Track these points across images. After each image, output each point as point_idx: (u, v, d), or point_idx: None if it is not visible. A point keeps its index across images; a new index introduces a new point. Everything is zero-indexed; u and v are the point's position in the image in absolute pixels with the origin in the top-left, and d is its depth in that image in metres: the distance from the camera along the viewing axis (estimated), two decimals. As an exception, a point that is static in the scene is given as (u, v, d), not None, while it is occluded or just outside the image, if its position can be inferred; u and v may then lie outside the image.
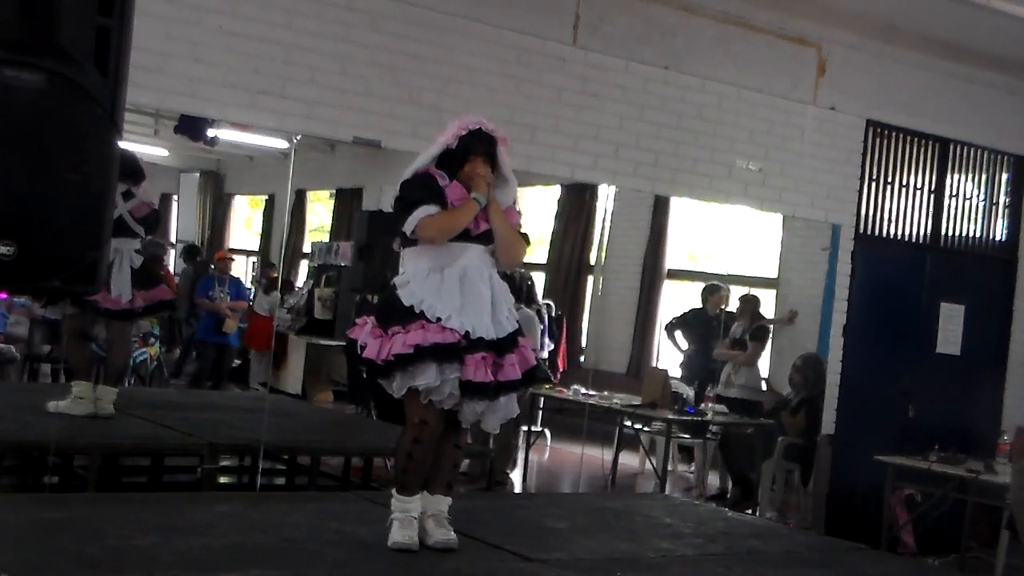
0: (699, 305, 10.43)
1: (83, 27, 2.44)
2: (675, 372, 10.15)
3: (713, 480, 9.79)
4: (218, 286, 10.77)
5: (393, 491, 4.26)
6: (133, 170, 6.39)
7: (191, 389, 10.61)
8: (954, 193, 8.56)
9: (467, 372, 4.02)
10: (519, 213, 4.44)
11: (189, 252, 12.93)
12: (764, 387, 9.83)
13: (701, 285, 10.75)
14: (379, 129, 6.21)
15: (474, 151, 4.23)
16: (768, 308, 10.43)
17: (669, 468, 9.31)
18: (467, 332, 4.03)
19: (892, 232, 8.25)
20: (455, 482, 4.39)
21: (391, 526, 4.19)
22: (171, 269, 12.81)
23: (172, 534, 4.14)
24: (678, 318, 10.54)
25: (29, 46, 2.35)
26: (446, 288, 4.09)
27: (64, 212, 2.42)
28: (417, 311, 4.03)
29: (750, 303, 9.98)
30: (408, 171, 4.33)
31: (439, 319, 4.02)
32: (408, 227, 4.17)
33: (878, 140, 8.10)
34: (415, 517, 4.20)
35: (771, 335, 10.03)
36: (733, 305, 10.25)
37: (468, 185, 4.22)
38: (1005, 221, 8.85)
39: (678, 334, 10.43)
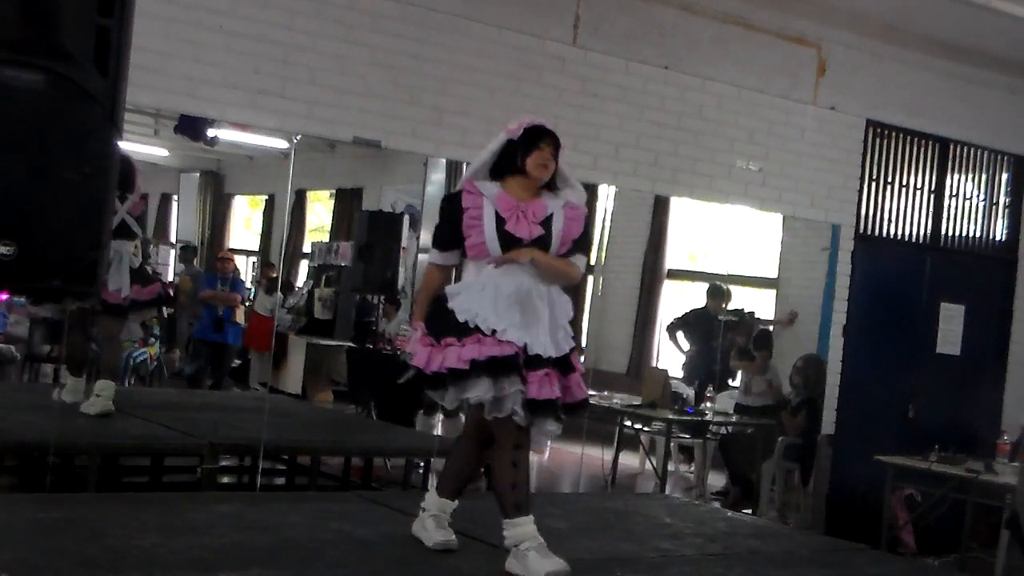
0: (699, 305, 10.41)
1: (83, 27, 2.45)
2: (676, 372, 10.14)
3: (713, 480, 9.79)
4: (220, 285, 10.78)
5: (504, 520, 4.00)
6: (128, 175, 6.43)
7: (191, 389, 10.61)
8: (954, 193, 8.56)
9: (531, 390, 3.83)
10: (585, 212, 4.19)
11: (186, 252, 12.93)
12: (771, 385, 9.80)
13: (701, 285, 10.73)
14: (379, 129, 6.21)
15: (542, 141, 4.07)
16: (768, 308, 10.41)
17: (669, 468, 9.31)
18: (524, 346, 3.87)
19: (892, 232, 8.25)
20: (520, 502, 3.98)
21: (526, 557, 3.87)
22: (171, 269, 12.81)
23: (172, 534, 4.14)
24: (679, 319, 10.53)
25: (29, 46, 2.36)
26: (501, 302, 3.91)
27: (64, 212, 2.42)
28: (472, 325, 3.87)
29: (745, 324, 9.97)
30: (467, 170, 4.20)
31: (494, 332, 3.85)
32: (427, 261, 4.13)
33: (878, 140, 8.10)
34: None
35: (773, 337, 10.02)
36: (732, 305, 10.24)
37: (532, 175, 4.05)
38: (1005, 221, 8.85)
39: (680, 335, 10.42)
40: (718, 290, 10.16)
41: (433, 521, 4.20)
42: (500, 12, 6.47)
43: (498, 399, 3.83)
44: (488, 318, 3.87)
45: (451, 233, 4.08)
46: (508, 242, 3.99)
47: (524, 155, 4.05)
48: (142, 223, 7.00)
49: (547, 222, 4.06)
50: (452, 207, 4.11)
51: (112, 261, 6.23)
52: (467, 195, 4.08)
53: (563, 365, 3.98)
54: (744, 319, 9.99)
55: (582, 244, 4.17)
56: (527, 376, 3.83)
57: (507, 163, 4.10)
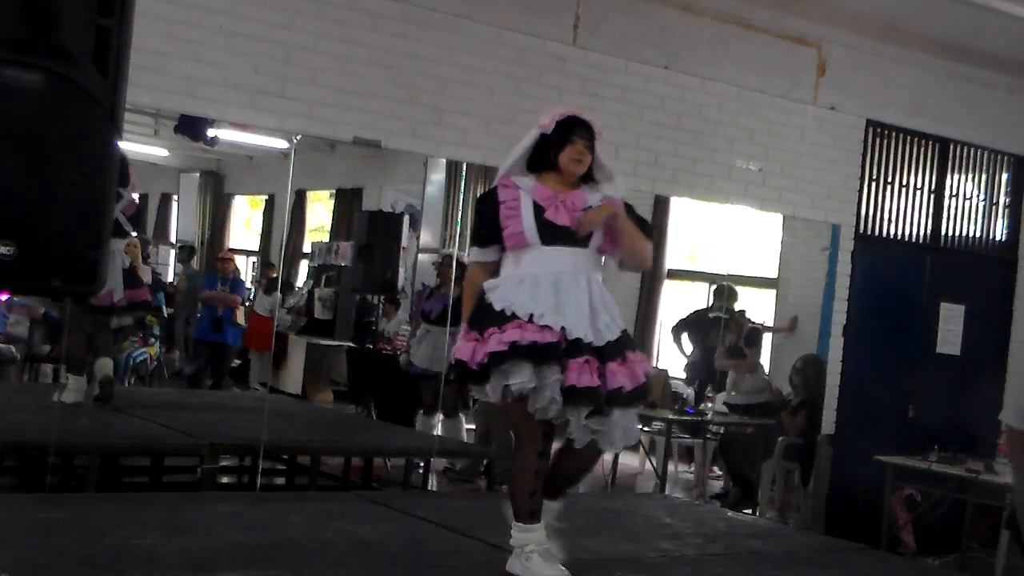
0: (702, 306, 10.39)
1: (83, 27, 2.44)
2: (676, 372, 10.14)
3: (713, 480, 9.79)
4: (220, 286, 10.79)
5: (514, 522, 3.85)
6: (123, 172, 6.45)
7: (191, 389, 10.61)
8: (954, 193, 8.56)
9: (570, 377, 3.70)
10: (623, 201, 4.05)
11: (182, 252, 12.95)
12: (770, 387, 9.82)
13: (701, 285, 10.72)
14: (379, 129, 6.21)
15: (575, 134, 3.93)
16: (768, 308, 10.41)
17: (669, 468, 9.31)
18: (563, 331, 3.73)
19: (892, 232, 8.25)
20: (570, 493, 4.07)
21: (529, 559, 3.81)
22: (171, 269, 12.82)
23: (172, 534, 4.14)
24: (683, 320, 10.51)
25: (29, 46, 2.35)
26: (540, 292, 3.80)
27: (64, 212, 2.42)
28: (509, 313, 3.75)
29: (738, 321, 9.95)
30: (502, 167, 4.06)
31: (531, 316, 3.72)
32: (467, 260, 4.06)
33: (878, 140, 8.10)
34: (548, 548, 3.86)
35: (770, 337, 10.02)
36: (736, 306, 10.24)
37: (566, 171, 3.94)
38: (1005, 221, 8.85)
39: (684, 336, 10.40)
40: (724, 291, 10.12)
41: (539, 557, 3.82)
42: (500, 12, 6.46)
43: (537, 388, 3.70)
44: (525, 304, 3.76)
45: (489, 228, 3.96)
46: (548, 230, 3.87)
47: (557, 151, 3.95)
48: (139, 222, 7.03)
49: (587, 211, 3.93)
50: (488, 202, 3.99)
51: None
52: (503, 189, 3.98)
53: (611, 351, 3.81)
54: (733, 317, 9.98)
55: (648, 233, 4.05)
56: (567, 363, 3.72)
57: (541, 159, 3.99)
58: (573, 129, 3.95)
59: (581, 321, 3.77)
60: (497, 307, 3.79)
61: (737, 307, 10.15)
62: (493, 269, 3.99)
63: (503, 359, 3.70)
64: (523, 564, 3.82)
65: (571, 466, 4.01)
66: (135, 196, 7.16)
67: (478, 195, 4.12)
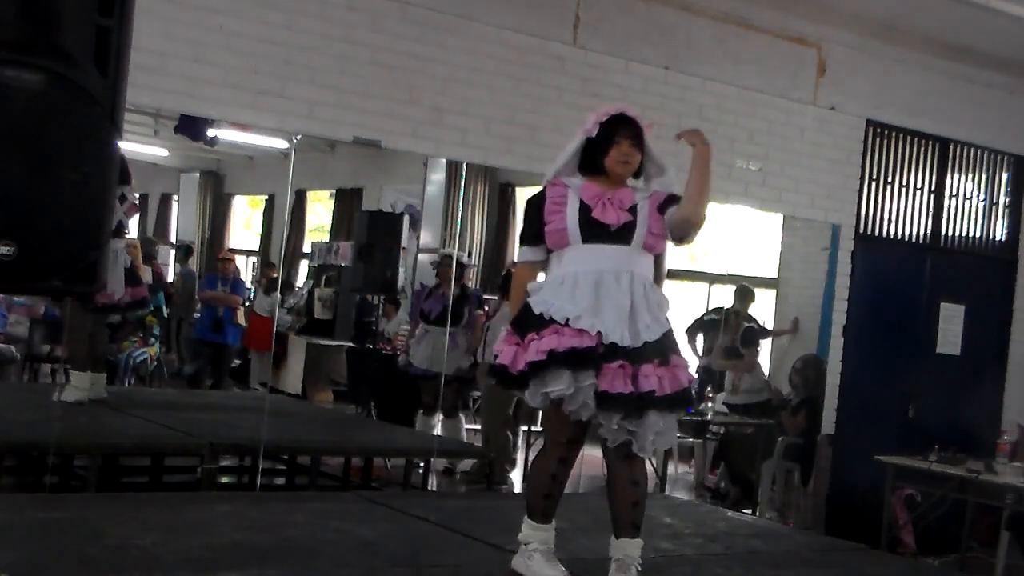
0: (715, 307, 10.35)
1: (83, 27, 2.45)
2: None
3: (713, 480, 9.78)
4: (221, 286, 10.80)
5: (526, 518, 3.87)
6: (124, 172, 6.46)
7: (191, 389, 10.61)
8: (954, 193, 8.56)
9: (603, 382, 3.65)
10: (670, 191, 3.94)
11: (178, 252, 12.96)
12: (769, 386, 9.81)
13: (701, 285, 10.69)
14: (379, 129, 6.21)
15: (619, 135, 3.85)
16: (768, 309, 10.41)
17: (669, 468, 9.30)
18: (599, 335, 3.67)
19: (892, 232, 8.25)
20: (638, 522, 3.85)
21: (531, 557, 3.84)
22: (171, 269, 12.82)
23: (172, 534, 4.14)
24: (698, 321, 10.47)
25: (29, 46, 2.36)
26: (579, 292, 3.73)
27: (64, 212, 2.42)
28: (547, 317, 3.70)
29: (735, 321, 9.93)
30: (548, 171, 3.98)
31: (567, 320, 3.67)
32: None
33: (878, 140, 8.10)
34: (552, 550, 3.87)
35: (769, 337, 10.02)
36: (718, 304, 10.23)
37: (613, 173, 3.88)
38: (1005, 221, 8.85)
39: (700, 337, 10.37)
40: (746, 292, 9.96)
41: (541, 556, 3.85)
42: (500, 12, 6.46)
43: (574, 392, 3.67)
44: (563, 307, 3.71)
45: (537, 226, 3.90)
46: (593, 228, 3.80)
47: (602, 154, 3.88)
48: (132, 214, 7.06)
49: (634, 210, 3.86)
50: (536, 201, 3.94)
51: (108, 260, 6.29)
52: (551, 187, 3.92)
53: (649, 353, 3.71)
54: (729, 318, 9.96)
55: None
56: (602, 368, 3.66)
57: (589, 163, 3.93)
58: (617, 129, 3.87)
59: (619, 323, 3.70)
60: (536, 310, 3.75)
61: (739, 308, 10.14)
62: (542, 268, 3.96)
63: (541, 367, 3.67)
64: (526, 562, 3.85)
65: (622, 487, 3.86)
66: (135, 196, 7.19)
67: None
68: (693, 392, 3.81)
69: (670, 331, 3.82)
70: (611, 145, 3.86)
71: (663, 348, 3.75)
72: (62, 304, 7.13)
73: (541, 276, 3.95)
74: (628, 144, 3.86)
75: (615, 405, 3.66)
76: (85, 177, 2.42)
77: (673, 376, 3.73)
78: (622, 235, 3.81)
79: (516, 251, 4.05)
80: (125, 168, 6.63)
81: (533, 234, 3.92)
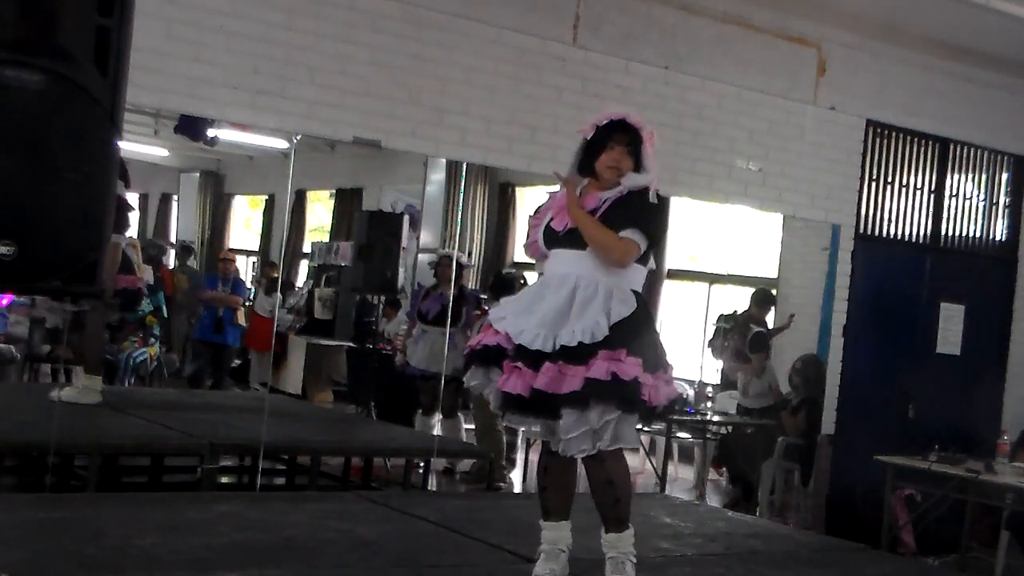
0: (730, 312, 10.33)
1: (83, 27, 2.45)
2: (678, 373, 10.08)
3: (713, 480, 9.78)
4: (221, 286, 10.81)
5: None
6: (124, 171, 6.48)
7: (191, 389, 10.62)
8: (954, 193, 8.55)
9: (500, 380, 3.74)
10: (636, 193, 3.89)
11: (183, 252, 12.98)
12: (771, 388, 9.78)
13: (701, 285, 10.69)
14: (379, 129, 6.20)
15: (612, 139, 3.90)
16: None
17: (669, 468, 9.31)
18: (507, 335, 3.74)
19: (892, 232, 8.24)
20: (622, 517, 3.91)
21: (537, 556, 3.95)
22: (170, 269, 12.83)
23: (172, 534, 4.14)
24: (717, 329, 10.41)
25: (29, 46, 2.36)
26: (525, 297, 3.88)
27: (64, 212, 2.42)
28: (488, 320, 3.89)
29: (742, 325, 9.89)
30: (567, 173, 4.07)
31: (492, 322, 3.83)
32: None
33: (878, 140, 8.10)
34: (562, 550, 3.91)
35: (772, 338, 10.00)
36: (730, 308, 10.21)
37: (602, 176, 3.91)
38: (1005, 221, 8.85)
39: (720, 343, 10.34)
40: (765, 297, 9.76)
41: (543, 555, 3.94)
42: (500, 12, 6.46)
43: (492, 389, 3.80)
44: (502, 309, 3.84)
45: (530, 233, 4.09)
46: (549, 236, 3.92)
47: (594, 157, 3.94)
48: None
49: (594, 212, 3.87)
50: (536, 215, 4.08)
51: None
52: (550, 197, 4.05)
53: (576, 355, 3.64)
54: (739, 321, 9.95)
55: (636, 220, 3.83)
56: (504, 367, 3.73)
57: (586, 164, 3.99)
58: (611, 134, 3.92)
59: (540, 327, 3.69)
60: (490, 316, 3.91)
61: (739, 311, 10.13)
62: None
63: (467, 363, 3.89)
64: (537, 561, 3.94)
65: (597, 488, 3.89)
66: (130, 196, 7.23)
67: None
68: (632, 390, 3.65)
69: (609, 335, 3.68)
70: (603, 149, 3.92)
71: (580, 352, 3.65)
72: (64, 316, 7.16)
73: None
74: (620, 149, 3.90)
75: (507, 404, 3.73)
76: (85, 177, 2.42)
77: (578, 376, 3.62)
78: (572, 240, 3.85)
79: (518, 251, 4.10)
80: (123, 168, 6.66)
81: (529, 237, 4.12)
